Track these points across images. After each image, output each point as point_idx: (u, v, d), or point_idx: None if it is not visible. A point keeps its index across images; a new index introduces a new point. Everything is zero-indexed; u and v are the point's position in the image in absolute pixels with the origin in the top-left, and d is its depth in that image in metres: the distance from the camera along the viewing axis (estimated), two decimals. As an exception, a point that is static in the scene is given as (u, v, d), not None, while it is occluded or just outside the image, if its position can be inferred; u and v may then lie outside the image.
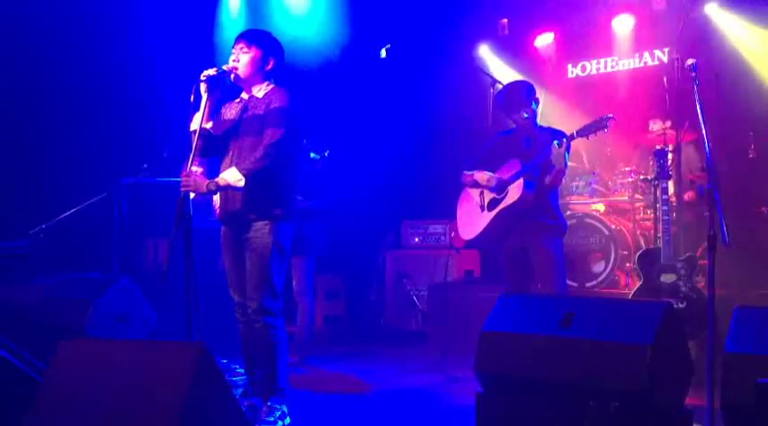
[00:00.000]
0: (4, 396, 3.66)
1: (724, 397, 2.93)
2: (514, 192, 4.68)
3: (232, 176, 3.88)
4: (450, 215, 6.72)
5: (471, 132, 7.30)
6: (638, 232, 6.39)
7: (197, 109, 3.97)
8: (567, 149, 4.69)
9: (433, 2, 8.02)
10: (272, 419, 3.95)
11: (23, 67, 6.65)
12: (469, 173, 4.93)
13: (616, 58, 7.77)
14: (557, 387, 3.04)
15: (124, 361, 2.99)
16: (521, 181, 4.66)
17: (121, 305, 4.88)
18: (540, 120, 4.96)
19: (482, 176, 4.82)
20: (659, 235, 5.25)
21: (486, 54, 8.34)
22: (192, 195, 3.73)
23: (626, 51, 7.70)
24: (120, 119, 7.04)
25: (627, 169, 6.67)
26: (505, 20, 8.29)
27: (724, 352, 3.00)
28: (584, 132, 4.57)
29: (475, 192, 4.97)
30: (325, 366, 5.91)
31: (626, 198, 6.59)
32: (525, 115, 4.82)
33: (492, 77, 6.28)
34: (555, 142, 4.54)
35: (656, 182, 5.42)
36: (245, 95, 4.19)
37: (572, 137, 4.59)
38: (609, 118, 4.55)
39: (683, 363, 3.16)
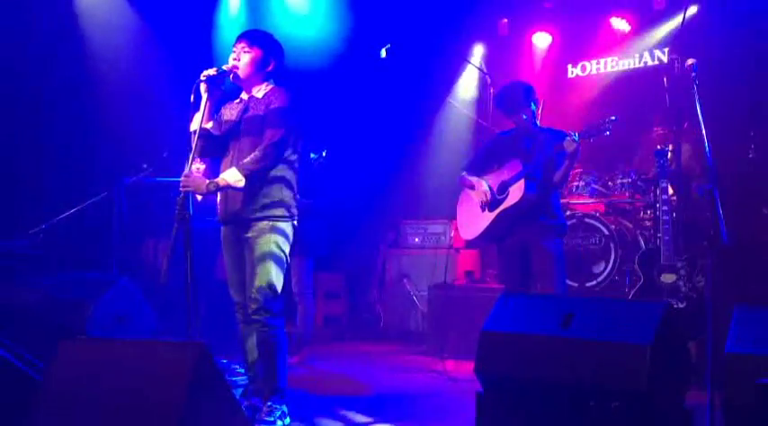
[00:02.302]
0: (4, 396, 3.66)
1: (724, 397, 2.93)
2: (516, 193, 4.68)
3: (232, 176, 3.88)
4: (450, 215, 6.74)
5: (471, 132, 7.32)
6: (638, 232, 6.39)
7: (197, 109, 3.97)
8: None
9: (434, 1, 8.01)
10: (271, 419, 3.95)
11: (23, 66, 6.64)
12: (469, 179, 4.93)
13: (616, 58, 7.78)
14: (557, 387, 3.04)
15: (124, 361, 2.99)
16: (522, 182, 4.66)
17: (121, 305, 4.88)
18: (539, 121, 4.96)
19: (479, 188, 4.82)
20: (659, 234, 5.25)
21: (484, 54, 8.34)
22: (198, 197, 3.73)
23: (626, 51, 7.71)
24: (120, 118, 7.03)
25: (627, 169, 6.67)
26: (505, 20, 8.30)
27: (724, 352, 3.00)
28: (586, 134, 4.56)
29: (474, 193, 4.96)
30: (325, 366, 5.91)
31: (626, 198, 6.58)
32: (524, 117, 4.82)
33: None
34: (573, 133, 4.52)
35: (657, 182, 5.42)
36: (244, 96, 4.19)
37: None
38: (612, 120, 4.53)
39: (683, 363, 3.16)
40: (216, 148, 4.14)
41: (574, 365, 3.01)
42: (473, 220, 4.95)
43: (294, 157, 4.13)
